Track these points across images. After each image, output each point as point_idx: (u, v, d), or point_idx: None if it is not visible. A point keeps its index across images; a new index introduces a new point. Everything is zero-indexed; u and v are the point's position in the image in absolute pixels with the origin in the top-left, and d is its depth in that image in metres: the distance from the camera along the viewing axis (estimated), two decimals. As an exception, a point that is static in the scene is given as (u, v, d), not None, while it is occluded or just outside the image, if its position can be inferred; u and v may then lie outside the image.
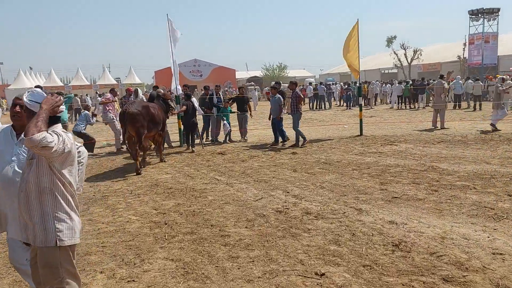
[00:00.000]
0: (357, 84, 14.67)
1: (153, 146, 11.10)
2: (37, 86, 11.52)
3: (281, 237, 4.63)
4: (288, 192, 6.52)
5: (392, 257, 4.03)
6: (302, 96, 11.18)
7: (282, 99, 11.56)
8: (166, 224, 5.19)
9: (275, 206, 5.81)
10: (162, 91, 11.75)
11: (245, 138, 12.89)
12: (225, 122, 12.60)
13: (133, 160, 8.90)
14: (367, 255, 4.09)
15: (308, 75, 66.20)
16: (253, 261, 4.05)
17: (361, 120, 13.01)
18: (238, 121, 12.95)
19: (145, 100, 10.83)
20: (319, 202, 5.92)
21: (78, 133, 10.93)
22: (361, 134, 12.80)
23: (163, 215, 5.61)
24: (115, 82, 53.48)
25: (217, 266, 3.96)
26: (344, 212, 5.41)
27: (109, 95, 12.17)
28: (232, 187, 6.99)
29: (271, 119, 11.69)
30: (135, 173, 8.41)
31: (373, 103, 26.25)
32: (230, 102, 13.28)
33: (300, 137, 11.09)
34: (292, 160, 9.15)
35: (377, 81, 30.32)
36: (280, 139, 11.44)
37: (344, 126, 15.72)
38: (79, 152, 3.17)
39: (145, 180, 7.87)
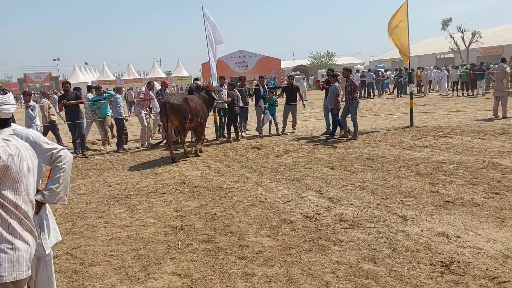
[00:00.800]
0: (409, 70, 13.44)
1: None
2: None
3: (307, 251, 4.00)
4: (321, 194, 5.84)
5: (440, 282, 3.28)
6: (358, 84, 10.23)
7: (339, 88, 10.70)
8: (182, 229, 4.72)
9: (305, 210, 5.17)
10: (204, 83, 11.49)
11: (294, 129, 12.34)
12: (266, 111, 12.03)
13: (170, 153, 9.00)
14: (409, 278, 3.37)
15: (357, 62, 63.81)
16: (270, 281, 3.46)
17: (411, 110, 11.90)
18: (286, 112, 12.24)
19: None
20: (356, 207, 5.20)
21: (116, 119, 10.87)
22: (411, 125, 11.72)
23: (182, 218, 5.15)
24: (164, 75, 54.71)
25: (227, 286, 3.42)
26: (385, 220, 4.67)
27: (144, 89, 11.88)
28: (260, 186, 6.41)
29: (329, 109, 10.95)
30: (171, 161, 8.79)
31: (427, 91, 24.49)
32: (277, 93, 12.67)
33: (355, 129, 10.31)
34: (330, 156, 8.40)
35: (433, 67, 28.34)
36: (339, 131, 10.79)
37: (393, 116, 14.59)
38: (59, 156, 2.72)
39: (173, 177, 7.49)
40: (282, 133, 12.01)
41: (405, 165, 7.15)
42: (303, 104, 12.33)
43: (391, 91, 26.95)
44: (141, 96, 11.30)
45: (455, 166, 6.86)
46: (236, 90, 11.24)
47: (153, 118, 11.88)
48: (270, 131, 12.13)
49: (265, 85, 12.80)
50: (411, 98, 12.03)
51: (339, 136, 10.52)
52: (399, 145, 9.10)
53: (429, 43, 64.79)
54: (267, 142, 10.62)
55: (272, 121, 12.04)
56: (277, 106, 12.40)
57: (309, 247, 4.08)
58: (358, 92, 23.92)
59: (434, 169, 6.72)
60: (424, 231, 4.29)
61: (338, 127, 10.77)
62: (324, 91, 11.53)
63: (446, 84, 23.33)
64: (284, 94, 12.42)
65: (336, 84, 10.56)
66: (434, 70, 25.83)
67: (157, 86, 13.02)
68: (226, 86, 11.71)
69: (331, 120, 11.05)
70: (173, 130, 9.39)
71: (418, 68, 26.01)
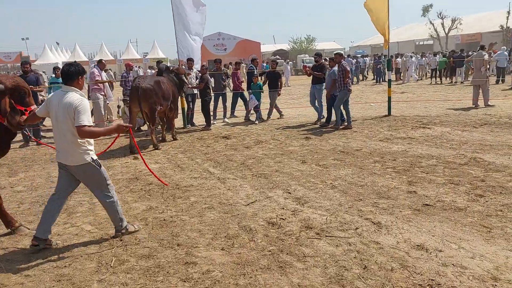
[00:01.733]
0: (388, 57, 12.87)
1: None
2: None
3: (264, 269, 3.37)
4: (289, 193, 5.22)
5: (419, 315, 2.71)
6: (349, 69, 9.53)
7: (337, 73, 9.92)
8: (121, 240, 4.02)
9: (269, 214, 4.53)
10: (174, 65, 10.69)
11: (269, 117, 11.72)
12: (252, 96, 11.32)
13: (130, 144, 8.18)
14: (381, 309, 2.78)
15: (337, 48, 63.26)
16: (213, 314, 2.82)
17: (389, 98, 11.37)
18: (270, 98, 11.60)
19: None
20: (325, 210, 4.59)
21: None
22: (389, 114, 11.21)
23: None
24: (139, 57, 52.93)
25: (160, 322, 2.76)
26: (357, 228, 4.08)
27: (96, 71, 10.79)
28: (223, 184, 5.74)
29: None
30: (154, 148, 8.35)
31: (405, 78, 24.14)
32: (261, 78, 11.93)
33: (341, 117, 9.70)
34: (303, 148, 7.78)
35: (412, 53, 28.00)
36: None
37: (371, 104, 14.08)
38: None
39: (127, 171, 6.75)
40: (265, 120, 11.42)
41: (381, 160, 6.58)
42: (278, 92, 11.59)
43: (372, 77, 26.53)
44: (97, 78, 10.28)
45: (434, 161, 6.33)
46: (208, 74, 10.44)
47: (108, 102, 10.86)
48: (258, 118, 11.38)
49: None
50: (389, 86, 11.48)
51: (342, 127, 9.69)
52: (375, 136, 8.55)
53: (408, 29, 64.69)
54: (238, 132, 9.93)
55: (256, 102, 11.32)
56: (263, 92, 11.68)
57: (268, 264, 3.45)
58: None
59: (412, 165, 6.18)
60: (401, 243, 3.72)
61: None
62: (311, 77, 10.86)
63: (413, 72, 23.24)
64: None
65: (335, 68, 9.82)
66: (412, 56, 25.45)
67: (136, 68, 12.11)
68: (194, 70, 10.90)
69: (325, 108, 10.39)
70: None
71: (398, 54, 25.61)
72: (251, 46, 51.38)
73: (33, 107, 4.23)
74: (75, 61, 4.75)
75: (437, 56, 22.23)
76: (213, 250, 3.75)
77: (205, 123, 10.47)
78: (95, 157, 3.89)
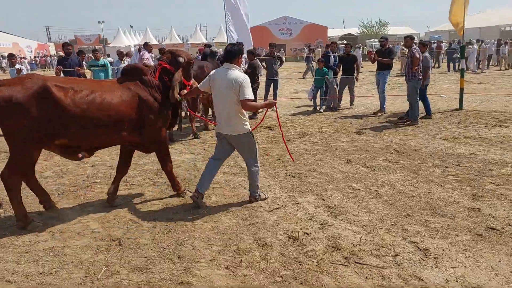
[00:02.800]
0: (462, 43, 11.31)
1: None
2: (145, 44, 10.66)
3: (267, 302, 2.74)
4: (323, 200, 4.50)
5: None
6: (419, 56, 8.25)
7: (430, 59, 8.90)
8: (120, 245, 3.59)
9: (292, 226, 3.87)
10: (221, 50, 10.17)
11: (352, 104, 10.90)
12: (311, 88, 10.63)
13: None
14: None
15: (411, 33, 59.28)
16: None
17: (461, 90, 9.98)
18: (342, 85, 10.76)
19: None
20: (362, 226, 3.83)
21: None
22: (460, 108, 9.86)
23: (131, 225, 4.01)
24: (206, 41, 53.59)
25: None
26: (397, 255, 3.29)
27: (146, 53, 10.44)
28: (252, 183, 5.15)
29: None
30: (193, 137, 7.95)
31: (485, 67, 21.68)
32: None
33: (415, 111, 8.41)
34: (351, 144, 6.92)
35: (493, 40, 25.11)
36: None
37: (441, 95, 12.58)
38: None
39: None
40: (337, 108, 10.60)
41: (442, 164, 5.58)
42: (356, 78, 10.62)
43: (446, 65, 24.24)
44: (146, 59, 9.98)
45: (508, 170, 5.22)
46: (258, 60, 9.79)
47: None
48: (322, 105, 10.56)
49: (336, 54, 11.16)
50: (462, 76, 10.07)
51: (406, 121, 8.54)
52: (440, 134, 7.43)
53: (493, 13, 58.81)
54: (284, 122, 9.23)
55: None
56: (329, 79, 10.77)
57: (274, 295, 2.82)
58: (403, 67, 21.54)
59: (480, 173, 5.13)
60: (451, 282, 2.89)
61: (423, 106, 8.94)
62: (376, 63, 9.88)
63: (474, 61, 20.53)
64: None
65: (427, 54, 8.78)
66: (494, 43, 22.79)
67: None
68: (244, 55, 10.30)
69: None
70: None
71: (477, 41, 23.09)
72: (317, 30, 49.84)
73: (192, 81, 4.77)
74: (237, 42, 5.38)
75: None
76: (216, 268, 3.18)
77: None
78: (250, 129, 4.33)
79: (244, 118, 4.28)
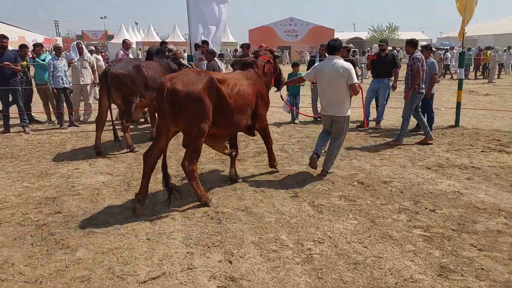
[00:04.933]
0: (462, 49, 9.85)
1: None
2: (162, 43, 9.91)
3: None
4: (229, 263, 3.17)
5: None
6: (419, 66, 6.74)
7: (436, 65, 7.53)
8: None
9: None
10: (173, 48, 8.84)
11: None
12: (287, 99, 9.24)
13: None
14: None
15: (422, 38, 57.59)
16: None
17: (458, 104, 8.58)
18: (314, 94, 9.38)
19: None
20: (258, 321, 2.51)
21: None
22: (456, 124, 8.47)
23: None
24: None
25: None
26: None
27: (121, 52, 9.29)
28: (150, 226, 3.84)
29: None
30: (128, 150, 6.68)
31: (495, 76, 20.09)
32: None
33: (403, 129, 7.00)
34: (309, 170, 5.56)
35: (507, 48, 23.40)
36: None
37: (439, 108, 11.15)
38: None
39: (59, 184, 5.10)
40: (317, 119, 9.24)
41: (411, 208, 4.22)
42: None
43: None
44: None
45: (500, 222, 3.85)
46: (218, 61, 8.48)
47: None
48: (296, 116, 9.27)
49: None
50: (459, 88, 8.67)
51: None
52: (423, 159, 6.06)
53: (507, 21, 56.68)
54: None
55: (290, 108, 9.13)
56: (303, 85, 9.37)
57: None
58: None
59: (460, 226, 3.77)
60: None
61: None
62: (373, 69, 8.58)
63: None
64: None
65: (432, 59, 7.50)
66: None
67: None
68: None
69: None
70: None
71: (487, 48, 21.52)
72: (324, 33, 48.34)
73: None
74: (337, 38, 5.42)
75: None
76: None
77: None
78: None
79: (349, 101, 5.07)
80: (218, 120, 4.27)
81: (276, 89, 5.83)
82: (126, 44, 9.68)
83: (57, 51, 8.42)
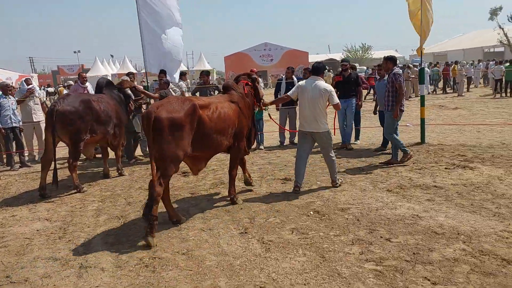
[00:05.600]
0: (422, 65, 9.81)
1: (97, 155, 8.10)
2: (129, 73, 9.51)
3: None
4: (151, 322, 2.79)
5: None
6: (401, 82, 6.69)
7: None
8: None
9: None
10: (127, 77, 8.59)
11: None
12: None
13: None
14: None
15: (397, 56, 58.60)
16: None
17: (422, 121, 8.48)
18: (282, 117, 9.24)
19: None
20: None
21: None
22: (422, 141, 8.34)
23: None
24: (185, 68, 52.38)
25: None
26: None
27: (76, 86, 9.01)
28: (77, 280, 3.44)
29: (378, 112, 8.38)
30: (76, 191, 6.23)
31: (464, 89, 20.35)
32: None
33: (398, 148, 6.78)
34: (266, 199, 5.23)
35: (473, 61, 23.99)
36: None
37: (407, 125, 11.05)
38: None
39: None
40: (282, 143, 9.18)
41: (365, 238, 3.91)
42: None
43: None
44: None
45: (458, 248, 3.56)
46: (171, 90, 8.19)
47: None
48: (261, 141, 9.09)
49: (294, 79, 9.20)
50: (422, 105, 8.59)
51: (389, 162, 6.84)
52: (385, 181, 5.81)
53: (476, 35, 58.58)
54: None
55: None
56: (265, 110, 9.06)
57: None
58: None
59: (415, 256, 3.46)
60: None
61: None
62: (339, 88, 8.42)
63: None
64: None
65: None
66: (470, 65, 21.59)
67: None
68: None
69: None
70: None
71: (455, 62, 21.93)
72: (298, 56, 49.12)
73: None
74: (321, 61, 6.07)
75: (503, 64, 18.40)
76: None
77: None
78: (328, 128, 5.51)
79: (326, 118, 5.47)
80: (200, 143, 4.48)
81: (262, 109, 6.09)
82: (82, 78, 9.35)
83: (4, 90, 8.04)
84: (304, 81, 5.64)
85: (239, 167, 5.49)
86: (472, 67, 20.90)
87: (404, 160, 6.69)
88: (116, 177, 7.03)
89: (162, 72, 8.65)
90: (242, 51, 49.41)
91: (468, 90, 20.80)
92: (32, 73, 70.42)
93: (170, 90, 7.95)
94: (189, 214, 4.89)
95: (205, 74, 9.53)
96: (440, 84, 22.92)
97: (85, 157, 7.73)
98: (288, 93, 5.73)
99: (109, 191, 6.17)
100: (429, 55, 56.82)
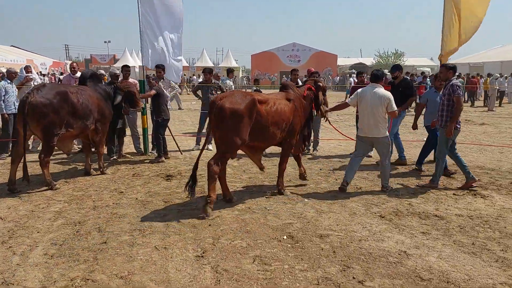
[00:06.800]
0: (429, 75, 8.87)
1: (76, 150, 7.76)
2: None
3: None
4: None
5: None
6: (460, 95, 5.68)
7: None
8: None
9: None
10: (103, 72, 8.29)
11: (315, 149, 8.65)
12: None
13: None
14: None
15: (426, 64, 56.81)
16: None
17: (437, 137, 7.68)
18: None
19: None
20: None
21: None
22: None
23: None
24: (212, 65, 52.25)
25: None
26: None
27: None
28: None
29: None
30: (48, 187, 5.82)
31: (495, 104, 19.11)
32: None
33: (438, 173, 5.97)
34: (238, 216, 4.67)
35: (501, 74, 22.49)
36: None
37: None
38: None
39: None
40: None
41: (335, 278, 3.30)
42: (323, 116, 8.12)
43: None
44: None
45: (444, 303, 2.92)
46: (161, 84, 7.75)
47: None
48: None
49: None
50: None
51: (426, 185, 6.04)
52: (380, 204, 5.15)
53: (514, 47, 55.78)
54: (188, 169, 7.06)
55: None
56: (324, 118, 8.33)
57: None
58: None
59: (387, 309, 2.85)
60: None
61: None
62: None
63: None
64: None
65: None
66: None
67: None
68: (164, 79, 8.29)
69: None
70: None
71: (489, 75, 20.68)
72: (327, 58, 48.24)
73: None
74: (380, 69, 6.71)
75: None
76: None
77: (157, 153, 7.81)
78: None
79: (385, 124, 5.53)
80: (257, 134, 4.96)
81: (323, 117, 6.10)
82: (72, 68, 9.00)
83: (10, 76, 7.87)
84: (363, 88, 5.66)
85: (300, 163, 6.03)
86: (506, 80, 19.55)
87: (471, 185, 5.82)
88: (97, 175, 6.63)
89: (159, 67, 8.21)
90: (269, 50, 48.86)
91: (500, 105, 19.57)
92: (67, 60, 72.22)
93: (160, 84, 7.58)
94: (152, 226, 4.40)
95: (207, 71, 9.06)
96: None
97: (62, 152, 7.37)
98: (347, 100, 5.91)
99: (82, 191, 5.76)
100: (465, 65, 54.50)
